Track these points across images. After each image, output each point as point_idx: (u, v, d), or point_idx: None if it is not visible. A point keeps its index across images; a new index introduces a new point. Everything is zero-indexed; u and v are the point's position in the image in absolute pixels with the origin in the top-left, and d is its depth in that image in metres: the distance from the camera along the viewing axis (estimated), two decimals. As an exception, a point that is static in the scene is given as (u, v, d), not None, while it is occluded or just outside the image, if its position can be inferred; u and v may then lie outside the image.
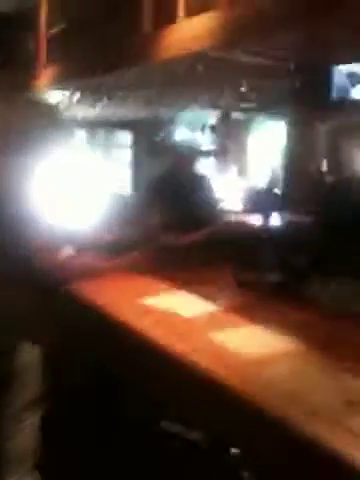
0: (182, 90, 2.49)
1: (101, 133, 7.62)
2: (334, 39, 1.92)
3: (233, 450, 1.22)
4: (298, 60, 2.27)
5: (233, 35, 1.86)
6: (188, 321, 2.03)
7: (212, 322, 2.02)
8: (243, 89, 2.36)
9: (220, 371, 1.59)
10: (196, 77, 2.39)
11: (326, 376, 1.57)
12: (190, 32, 1.99)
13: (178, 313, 2.09)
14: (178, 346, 1.77)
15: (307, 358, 1.71)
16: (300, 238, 3.25)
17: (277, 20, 1.73)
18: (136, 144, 7.29)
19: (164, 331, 1.92)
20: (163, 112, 3.04)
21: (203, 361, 1.65)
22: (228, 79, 2.40)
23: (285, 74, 2.36)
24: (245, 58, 2.16)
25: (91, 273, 2.54)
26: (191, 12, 2.03)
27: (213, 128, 6.52)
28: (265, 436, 1.39)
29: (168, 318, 2.06)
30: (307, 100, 4.48)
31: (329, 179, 6.06)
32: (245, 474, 1.09)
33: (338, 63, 3.94)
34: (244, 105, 2.67)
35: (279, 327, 1.95)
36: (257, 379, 1.55)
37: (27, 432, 2.34)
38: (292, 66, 2.30)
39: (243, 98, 2.49)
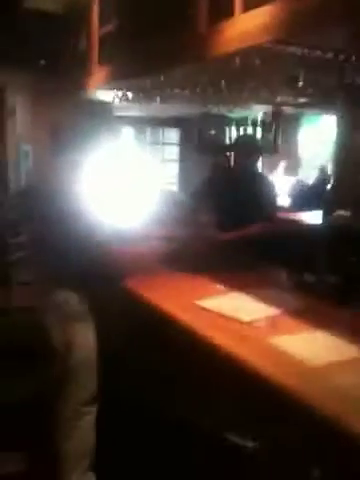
0: (236, 87, 2.44)
1: (150, 131, 7.64)
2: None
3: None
4: (356, 54, 2.18)
5: (289, 29, 1.80)
6: (247, 325, 1.98)
7: (272, 326, 1.97)
8: (299, 84, 2.29)
9: (284, 378, 1.53)
10: (251, 73, 2.33)
11: None
12: (246, 27, 1.93)
13: (236, 316, 2.04)
14: (238, 350, 1.73)
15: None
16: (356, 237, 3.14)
17: (334, 14, 1.66)
18: (185, 141, 7.28)
19: (223, 334, 1.88)
20: (216, 109, 2.98)
21: (266, 367, 1.60)
22: (283, 74, 2.33)
23: (341, 68, 2.27)
24: (301, 52, 2.09)
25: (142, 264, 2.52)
26: (246, 7, 1.97)
27: (264, 124, 6.40)
28: (331, 445, 1.33)
29: (226, 321, 2.02)
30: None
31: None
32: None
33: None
34: (298, 100, 2.60)
35: (342, 332, 1.88)
36: (324, 387, 1.49)
37: (84, 430, 2.36)
38: (349, 60, 2.21)
39: (298, 93, 2.41)
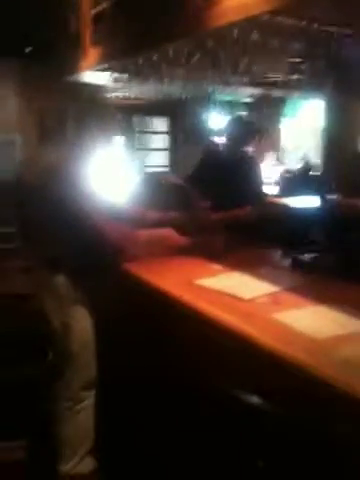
0: (232, 62, 2.40)
1: (138, 119, 7.58)
2: None
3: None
4: (353, 28, 2.16)
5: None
6: (249, 302, 1.96)
7: (275, 303, 1.95)
8: (295, 59, 2.26)
9: (290, 352, 1.51)
10: (247, 47, 2.29)
11: None
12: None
13: (237, 294, 2.02)
14: (242, 327, 1.71)
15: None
16: (351, 220, 3.14)
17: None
18: (174, 130, 7.23)
19: (225, 312, 1.84)
20: (209, 89, 2.94)
21: (271, 342, 1.58)
22: (280, 48, 2.30)
23: (338, 43, 2.25)
24: (299, 25, 2.06)
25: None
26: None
27: (251, 108, 6.39)
28: (349, 420, 1.32)
29: (228, 299, 1.99)
30: (352, 74, 4.31)
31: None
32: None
33: None
34: (290, 78, 2.57)
35: (344, 307, 1.86)
36: (333, 360, 1.47)
37: (84, 415, 2.35)
38: (346, 34, 2.19)
39: (291, 69, 2.38)
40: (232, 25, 1.93)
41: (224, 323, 1.76)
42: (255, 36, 2.05)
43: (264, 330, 1.69)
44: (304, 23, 2.04)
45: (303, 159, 7.33)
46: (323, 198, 4.03)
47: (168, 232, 2.56)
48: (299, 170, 7.17)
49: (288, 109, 8.01)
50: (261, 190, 3.40)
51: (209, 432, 1.86)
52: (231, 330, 1.72)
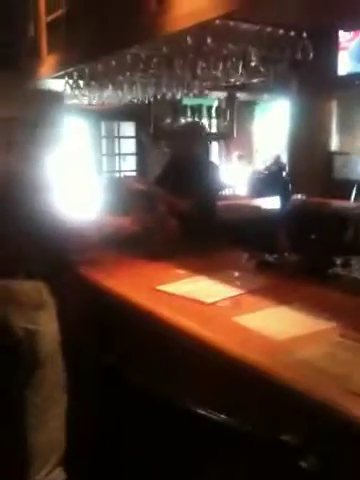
0: (189, 67, 2.40)
1: (105, 124, 7.53)
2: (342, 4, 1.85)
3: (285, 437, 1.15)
4: (307, 28, 2.18)
5: (240, 4, 1.78)
6: (211, 306, 1.97)
7: (236, 306, 1.96)
8: (251, 63, 2.28)
9: (249, 355, 1.52)
10: (203, 51, 2.31)
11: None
12: (196, 3, 1.90)
13: (199, 298, 2.03)
14: (203, 331, 1.71)
15: (338, 338, 1.65)
16: (316, 220, 3.18)
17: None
18: (141, 134, 7.21)
19: (187, 317, 1.85)
20: (170, 94, 2.93)
21: (232, 346, 1.59)
22: (236, 52, 2.31)
23: (294, 45, 2.26)
24: (252, 29, 2.08)
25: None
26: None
27: (219, 111, 6.42)
28: (304, 419, 1.33)
29: (189, 304, 2.00)
30: (314, 75, 4.37)
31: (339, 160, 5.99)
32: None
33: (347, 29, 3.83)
34: (252, 81, 2.58)
35: (304, 307, 1.89)
36: (291, 362, 1.48)
37: (53, 424, 2.31)
38: (301, 36, 2.21)
39: (251, 73, 2.40)
40: (185, 31, 1.94)
41: (183, 327, 1.77)
42: (209, 41, 2.06)
43: (223, 333, 1.69)
44: (257, 27, 2.06)
45: (276, 159, 7.35)
46: (286, 199, 4.08)
47: (124, 221, 2.59)
48: (270, 170, 7.18)
49: (258, 111, 8.09)
50: (212, 191, 3.38)
51: (177, 439, 1.86)
52: (190, 334, 1.72)
